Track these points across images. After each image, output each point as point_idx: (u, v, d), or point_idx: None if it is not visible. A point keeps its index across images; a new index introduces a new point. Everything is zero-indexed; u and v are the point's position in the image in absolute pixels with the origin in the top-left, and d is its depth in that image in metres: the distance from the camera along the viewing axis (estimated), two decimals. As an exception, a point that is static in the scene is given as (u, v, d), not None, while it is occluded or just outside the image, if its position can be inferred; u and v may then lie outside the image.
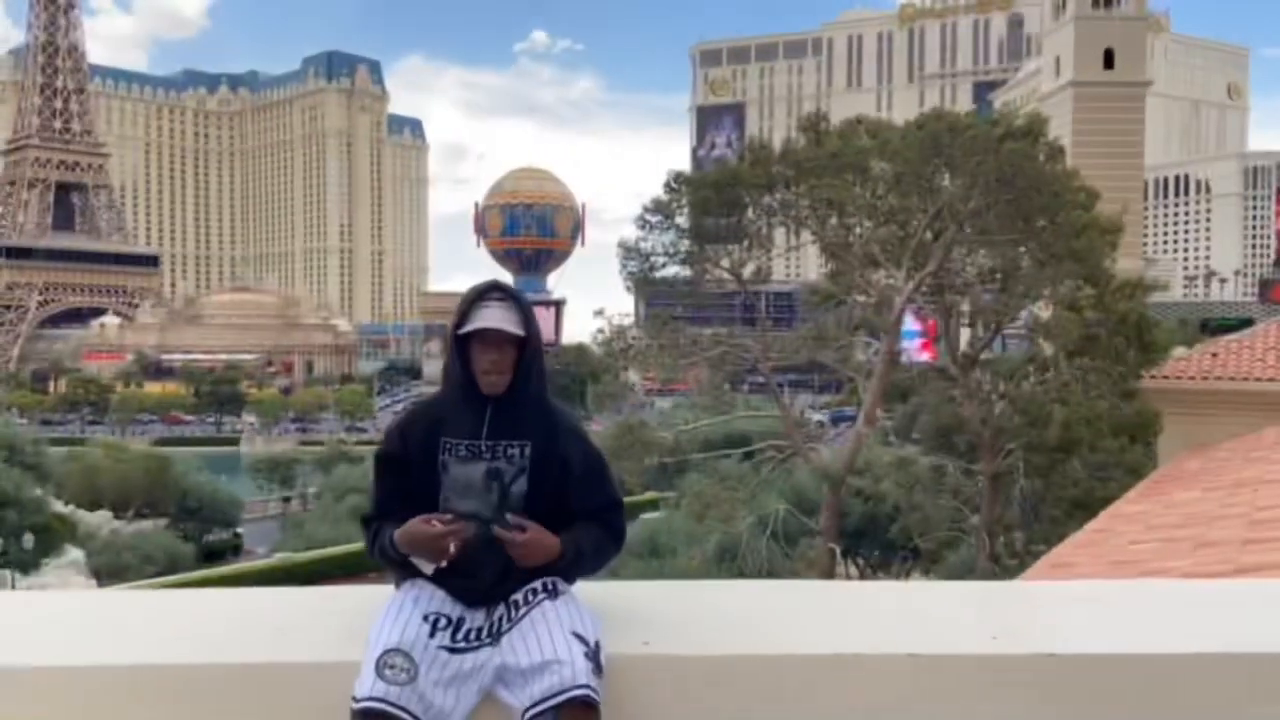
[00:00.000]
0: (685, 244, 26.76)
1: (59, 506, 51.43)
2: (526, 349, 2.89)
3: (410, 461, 2.92)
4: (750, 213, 25.74)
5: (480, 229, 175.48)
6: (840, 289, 27.98)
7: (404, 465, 2.94)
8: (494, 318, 2.83)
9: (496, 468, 2.87)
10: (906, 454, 29.40)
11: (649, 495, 53.29)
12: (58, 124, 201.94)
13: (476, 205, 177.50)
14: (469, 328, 2.83)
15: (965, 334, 31.43)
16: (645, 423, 29.97)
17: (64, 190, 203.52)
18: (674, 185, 25.60)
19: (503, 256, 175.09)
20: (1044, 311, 28.69)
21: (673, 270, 30.71)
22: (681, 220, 26.45)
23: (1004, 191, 22.09)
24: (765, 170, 24.03)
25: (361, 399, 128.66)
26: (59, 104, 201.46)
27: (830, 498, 25.78)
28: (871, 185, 24.14)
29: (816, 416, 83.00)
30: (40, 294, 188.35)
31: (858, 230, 25.71)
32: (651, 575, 27.01)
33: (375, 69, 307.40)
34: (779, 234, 32.01)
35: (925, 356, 44.52)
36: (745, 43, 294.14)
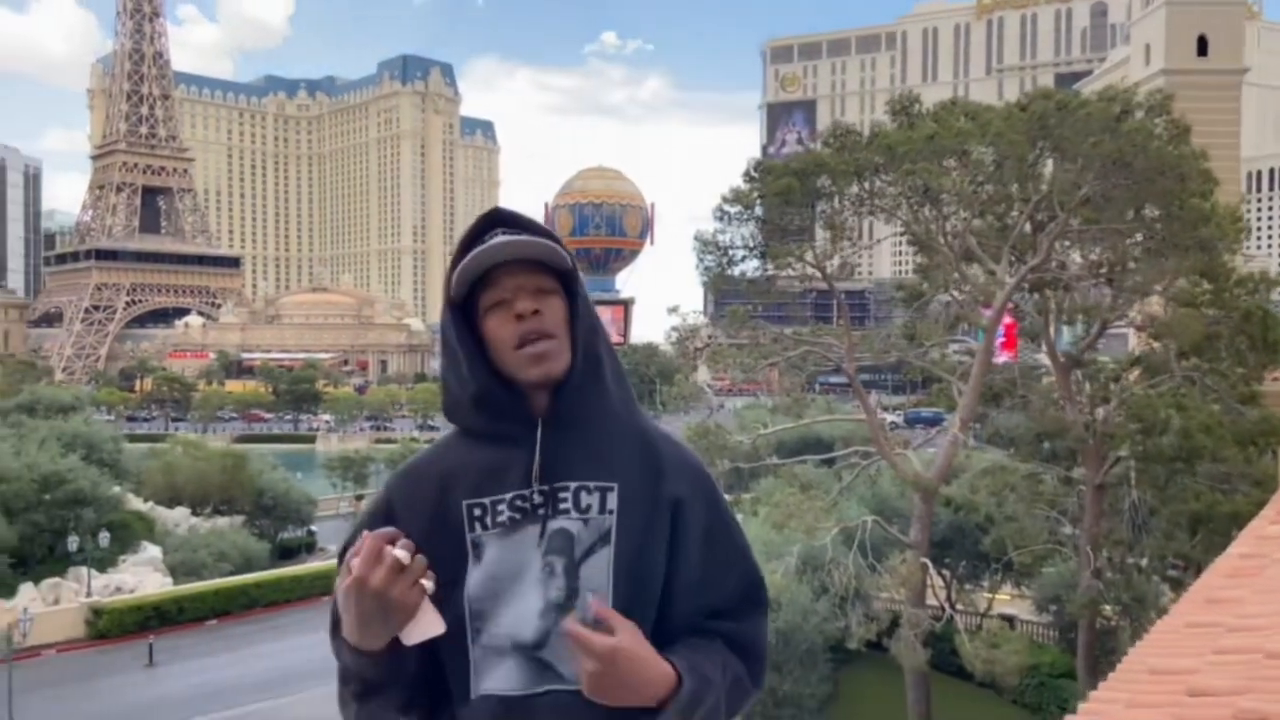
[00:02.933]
0: (764, 236, 25.18)
1: (139, 503, 52.16)
2: (577, 308, 1.68)
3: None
4: (835, 202, 24.08)
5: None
6: (933, 285, 26.17)
7: None
8: (503, 245, 1.66)
9: (563, 530, 1.64)
10: (1002, 460, 27.52)
11: (721, 499, 51.70)
12: (144, 130, 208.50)
13: (546, 205, 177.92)
14: (471, 272, 1.65)
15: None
16: (721, 426, 28.60)
17: (150, 194, 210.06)
18: (753, 175, 24.11)
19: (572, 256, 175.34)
20: (1155, 307, 26.56)
21: (749, 265, 29.29)
22: (761, 212, 24.93)
23: (1121, 175, 20.11)
24: (853, 156, 22.40)
25: (433, 397, 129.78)
26: (145, 110, 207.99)
27: (922, 508, 24.06)
28: (970, 171, 22.31)
29: (890, 418, 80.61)
30: (128, 294, 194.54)
31: (951, 221, 23.89)
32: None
33: (448, 72, 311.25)
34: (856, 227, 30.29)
35: (1005, 356, 42.40)
36: (817, 39, 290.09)
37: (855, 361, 25.56)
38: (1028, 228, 24.04)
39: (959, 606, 32.95)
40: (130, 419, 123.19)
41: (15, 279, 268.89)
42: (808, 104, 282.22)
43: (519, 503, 1.67)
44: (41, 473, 41.29)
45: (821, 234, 27.39)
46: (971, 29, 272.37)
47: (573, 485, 1.66)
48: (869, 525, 23.81)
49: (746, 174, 24.12)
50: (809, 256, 24.69)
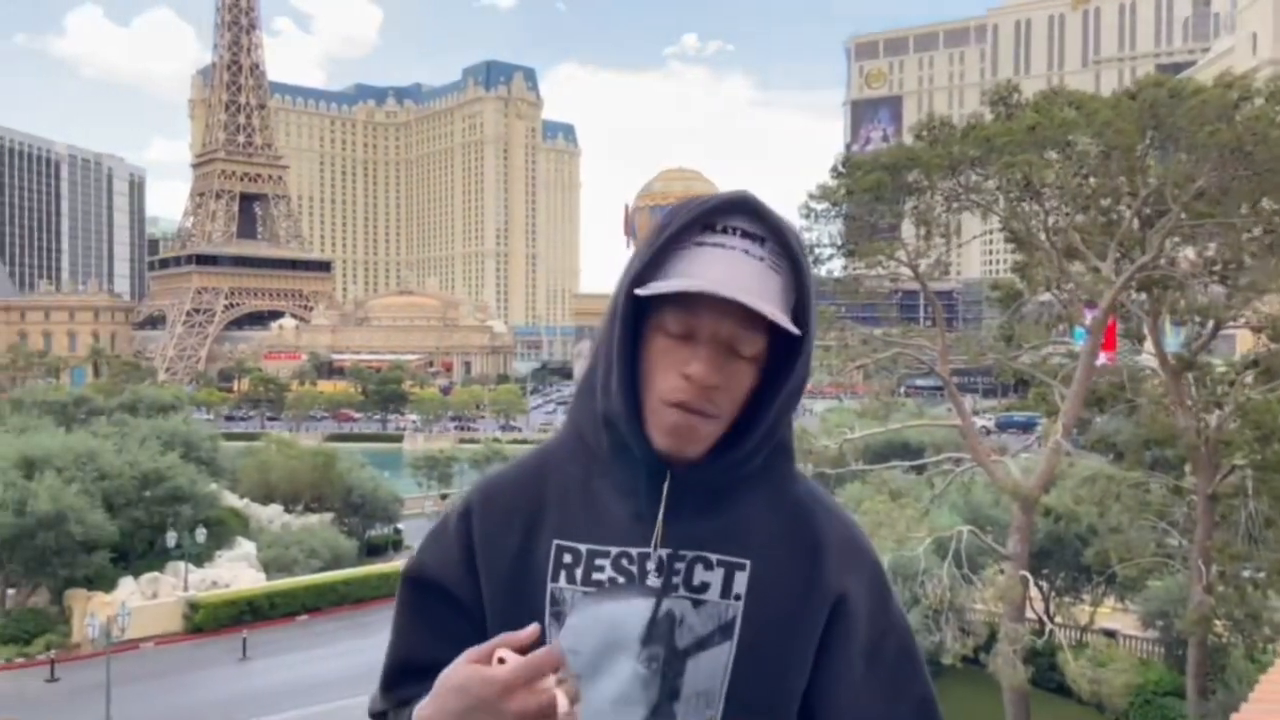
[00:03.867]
0: (852, 234, 24.40)
1: (234, 500, 53.75)
2: (789, 371, 1.21)
3: (475, 597, 1.30)
4: (928, 198, 23.17)
5: (629, 230, 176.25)
6: (1031, 284, 25.01)
7: (459, 605, 1.30)
8: (734, 276, 1.15)
9: (671, 613, 1.23)
10: (1106, 468, 26.18)
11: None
12: (241, 138, 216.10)
13: (626, 206, 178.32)
14: (663, 286, 1.16)
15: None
16: (806, 429, 27.88)
17: (247, 200, 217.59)
18: (841, 170, 23.38)
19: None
20: (1273, 307, 24.94)
21: (835, 265, 28.55)
22: (848, 209, 24.15)
23: (1240, 166, 18.83)
24: (946, 149, 21.51)
25: (516, 398, 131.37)
26: (242, 120, 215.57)
27: (1021, 518, 22.99)
28: (1075, 164, 21.19)
29: (981, 422, 78.35)
30: (226, 298, 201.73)
31: (1053, 216, 22.76)
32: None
33: (530, 76, 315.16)
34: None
35: (1103, 358, 40.52)
36: (903, 33, 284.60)
37: (949, 364, 24.60)
38: (1135, 223, 22.78)
39: (1058, 620, 31.58)
40: (228, 418, 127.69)
41: (121, 283, 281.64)
42: (893, 100, 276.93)
43: (625, 563, 1.25)
44: (142, 470, 42.78)
45: (911, 231, 26.48)
46: (1067, 20, 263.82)
47: (688, 555, 1.25)
48: (963, 535, 22.85)
49: (834, 170, 23.41)
50: (900, 254, 23.82)
